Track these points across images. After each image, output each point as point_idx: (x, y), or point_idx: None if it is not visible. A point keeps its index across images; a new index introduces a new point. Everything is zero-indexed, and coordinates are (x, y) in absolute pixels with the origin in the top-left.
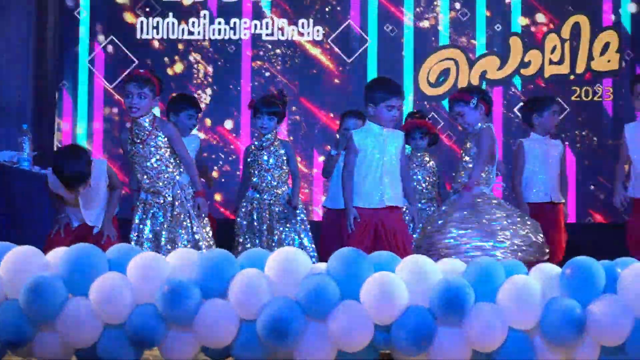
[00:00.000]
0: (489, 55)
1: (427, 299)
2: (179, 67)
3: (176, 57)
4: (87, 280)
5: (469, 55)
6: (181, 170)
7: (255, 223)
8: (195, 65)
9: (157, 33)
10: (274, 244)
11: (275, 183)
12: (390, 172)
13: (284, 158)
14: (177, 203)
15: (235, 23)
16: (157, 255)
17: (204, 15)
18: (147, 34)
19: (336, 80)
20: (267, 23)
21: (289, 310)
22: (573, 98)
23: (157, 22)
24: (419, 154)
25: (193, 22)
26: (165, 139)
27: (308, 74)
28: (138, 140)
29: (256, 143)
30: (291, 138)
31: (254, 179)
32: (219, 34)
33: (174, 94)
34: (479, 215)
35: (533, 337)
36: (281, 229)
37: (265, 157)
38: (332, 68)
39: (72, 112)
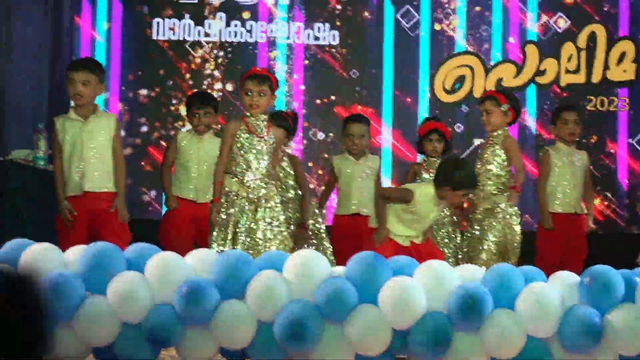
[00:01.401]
0: (505, 63)
1: (445, 305)
2: (192, 69)
3: (190, 59)
4: (105, 278)
5: (485, 62)
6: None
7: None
8: (210, 68)
9: (173, 34)
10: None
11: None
12: None
13: (289, 170)
14: (270, 206)
15: (251, 25)
16: (175, 255)
17: (220, 17)
18: (163, 35)
19: (350, 84)
20: (283, 26)
21: (307, 313)
22: (589, 107)
23: (173, 23)
24: (433, 160)
25: (209, 24)
26: (272, 141)
27: (322, 77)
28: (255, 134)
29: None
30: (305, 142)
31: None
32: (235, 36)
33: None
34: None
35: (551, 345)
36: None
37: None
38: (346, 73)
39: None
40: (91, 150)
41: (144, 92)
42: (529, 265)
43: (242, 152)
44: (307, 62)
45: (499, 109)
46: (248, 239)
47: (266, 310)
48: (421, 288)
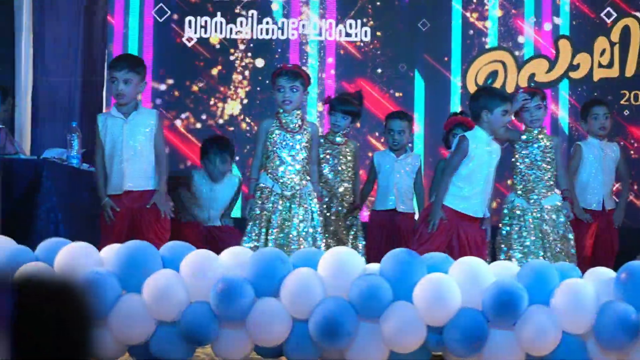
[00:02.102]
0: (537, 58)
1: (480, 301)
2: (224, 67)
3: (222, 57)
4: (140, 277)
5: (517, 57)
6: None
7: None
8: (242, 65)
9: (205, 32)
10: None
11: (337, 181)
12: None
13: (350, 158)
14: (304, 202)
15: (283, 23)
16: (210, 253)
17: (252, 14)
18: (195, 32)
19: (382, 81)
20: (314, 23)
21: (341, 311)
22: (622, 102)
23: (205, 22)
24: None
25: (241, 22)
26: (308, 137)
27: (356, 75)
28: (289, 130)
29: (328, 137)
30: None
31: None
32: (267, 33)
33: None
34: None
35: (586, 341)
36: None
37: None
38: (380, 69)
39: None
40: (132, 149)
41: (175, 90)
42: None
43: (275, 148)
44: (337, 58)
45: (544, 105)
46: (281, 235)
47: (301, 307)
48: (456, 284)
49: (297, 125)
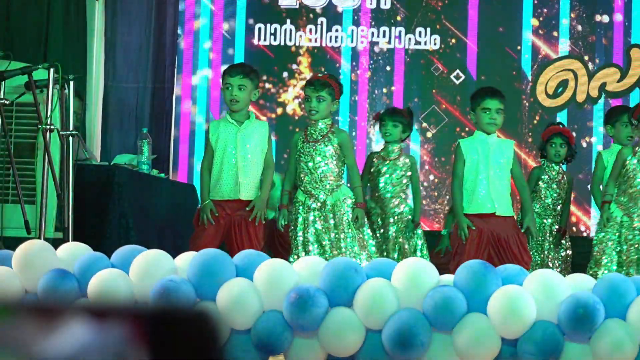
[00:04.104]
0: (608, 67)
1: (555, 314)
2: (293, 73)
3: (291, 64)
4: (215, 285)
5: (589, 66)
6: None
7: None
8: (309, 73)
9: (275, 39)
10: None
11: (392, 196)
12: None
13: (406, 172)
14: (337, 211)
15: (352, 31)
16: (284, 262)
17: (321, 22)
18: (264, 40)
19: (450, 89)
20: (384, 31)
21: (415, 322)
22: None
23: (275, 29)
24: (554, 166)
25: (310, 29)
26: (337, 145)
27: (423, 83)
28: (311, 140)
29: (381, 153)
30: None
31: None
32: (336, 41)
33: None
34: None
35: None
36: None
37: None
38: (445, 79)
39: (189, 117)
40: (243, 158)
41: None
42: None
43: (300, 160)
44: (405, 66)
45: None
46: (316, 246)
47: (374, 318)
48: (531, 297)
49: (321, 135)
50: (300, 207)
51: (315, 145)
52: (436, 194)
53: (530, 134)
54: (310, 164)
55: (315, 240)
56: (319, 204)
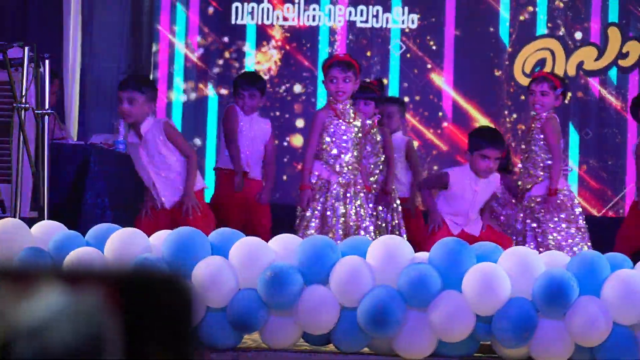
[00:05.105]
0: (586, 46)
1: (530, 291)
2: (269, 55)
3: (267, 44)
4: (190, 263)
5: (567, 45)
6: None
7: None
8: (288, 53)
9: (252, 19)
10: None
11: (370, 170)
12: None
13: (380, 146)
14: (357, 189)
15: (330, 10)
16: (259, 240)
17: (298, 1)
18: (242, 19)
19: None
20: (361, 10)
21: (390, 299)
22: None
23: (252, 8)
24: None
25: (287, 8)
26: (359, 127)
27: (400, 64)
28: (344, 120)
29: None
30: None
31: None
32: (313, 20)
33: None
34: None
35: (637, 332)
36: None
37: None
38: (421, 59)
39: (165, 98)
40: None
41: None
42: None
43: (333, 139)
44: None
45: (553, 92)
46: (340, 225)
47: (350, 295)
48: (505, 274)
49: (351, 115)
50: (327, 185)
51: (350, 125)
52: None
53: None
54: (346, 144)
55: (341, 219)
56: (346, 184)
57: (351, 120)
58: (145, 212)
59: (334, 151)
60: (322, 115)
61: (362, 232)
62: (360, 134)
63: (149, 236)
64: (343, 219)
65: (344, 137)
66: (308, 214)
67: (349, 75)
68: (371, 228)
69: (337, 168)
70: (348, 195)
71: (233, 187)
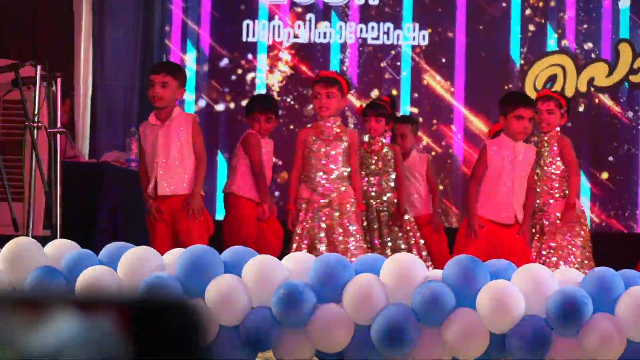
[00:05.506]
0: (597, 62)
1: (544, 309)
2: (281, 71)
3: (279, 62)
4: (203, 281)
5: (578, 61)
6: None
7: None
8: (299, 69)
9: (262, 36)
10: (387, 250)
11: (382, 188)
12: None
13: (392, 164)
14: (343, 208)
15: (340, 27)
16: (272, 259)
17: (310, 18)
18: (253, 36)
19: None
20: (372, 27)
21: (404, 317)
22: None
23: (263, 25)
24: None
25: (298, 25)
26: (346, 144)
27: (411, 80)
28: (323, 138)
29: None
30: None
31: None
32: (324, 37)
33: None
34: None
35: None
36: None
37: (374, 160)
38: (432, 74)
39: None
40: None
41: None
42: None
43: (311, 157)
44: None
45: (559, 110)
46: (324, 244)
47: (363, 313)
48: (519, 292)
49: (332, 134)
50: (307, 205)
51: (330, 143)
52: None
53: None
54: (324, 161)
55: (323, 239)
56: (326, 201)
57: (333, 139)
58: (153, 218)
59: (313, 170)
60: (303, 135)
61: (349, 254)
62: (345, 153)
63: (166, 243)
64: (325, 236)
65: (324, 155)
66: (298, 230)
67: (332, 91)
68: (356, 250)
69: (318, 188)
70: (336, 213)
71: (252, 215)
